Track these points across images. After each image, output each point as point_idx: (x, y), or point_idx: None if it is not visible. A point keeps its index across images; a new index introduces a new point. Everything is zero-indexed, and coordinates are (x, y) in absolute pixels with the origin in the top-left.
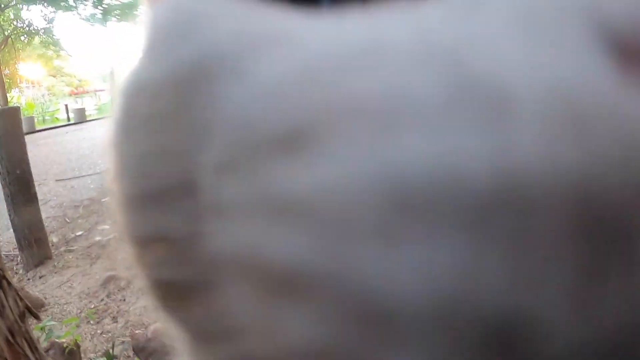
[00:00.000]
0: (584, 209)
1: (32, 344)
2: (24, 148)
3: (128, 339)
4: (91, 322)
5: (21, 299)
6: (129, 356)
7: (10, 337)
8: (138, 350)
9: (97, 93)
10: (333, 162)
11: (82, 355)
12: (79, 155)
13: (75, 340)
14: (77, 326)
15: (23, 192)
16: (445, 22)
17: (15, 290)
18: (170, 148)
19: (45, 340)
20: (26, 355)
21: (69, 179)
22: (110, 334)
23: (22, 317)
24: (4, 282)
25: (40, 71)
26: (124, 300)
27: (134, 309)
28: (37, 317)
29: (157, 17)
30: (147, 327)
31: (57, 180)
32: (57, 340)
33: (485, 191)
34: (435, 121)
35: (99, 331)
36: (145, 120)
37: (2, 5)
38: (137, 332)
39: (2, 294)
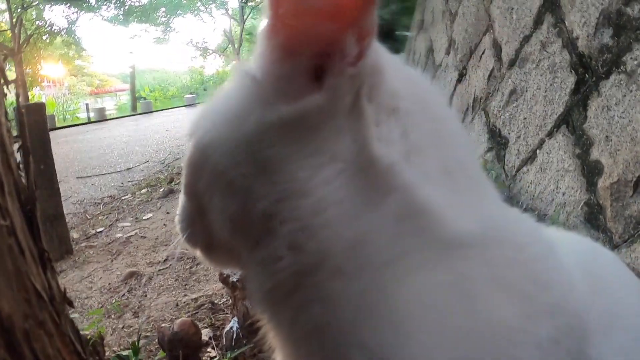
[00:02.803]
0: None
1: (74, 328)
2: (48, 143)
3: (150, 333)
4: (112, 316)
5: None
6: (151, 350)
7: (57, 319)
8: (163, 343)
9: (117, 93)
10: None
11: (105, 348)
12: (99, 153)
13: (100, 332)
14: (99, 320)
15: (46, 186)
16: None
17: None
18: None
19: None
20: (71, 340)
21: (90, 176)
22: (132, 329)
23: (65, 300)
24: (49, 264)
25: (62, 70)
26: (146, 295)
27: (155, 305)
28: (71, 304)
29: None
30: (171, 321)
31: (78, 177)
32: (81, 332)
33: None
34: None
35: (120, 325)
36: None
37: (25, 5)
38: (162, 325)
39: (50, 276)
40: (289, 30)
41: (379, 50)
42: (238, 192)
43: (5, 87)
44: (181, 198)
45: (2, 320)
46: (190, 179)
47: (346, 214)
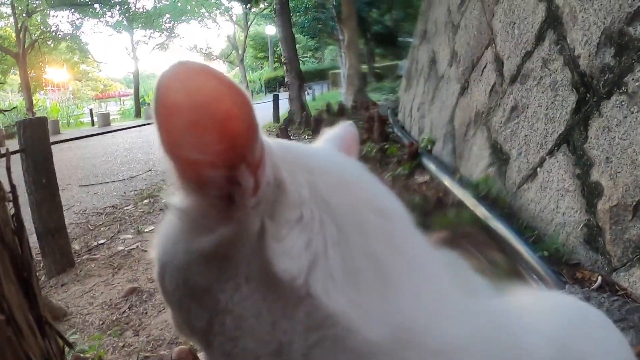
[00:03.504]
0: None
1: None
2: (50, 157)
3: (150, 353)
4: (112, 334)
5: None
6: None
7: None
8: None
9: (122, 98)
10: None
11: None
12: (102, 160)
13: (100, 356)
14: (100, 339)
15: (48, 200)
16: None
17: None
18: None
19: (68, 353)
20: None
21: (92, 184)
22: (132, 348)
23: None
24: (48, 328)
25: (66, 75)
26: (146, 313)
27: (155, 323)
28: (70, 347)
29: None
30: (170, 344)
31: (80, 185)
32: (81, 355)
33: None
34: None
35: (120, 344)
36: None
37: (30, 11)
38: (161, 353)
39: (48, 342)
40: (189, 173)
41: (275, 162)
42: (182, 310)
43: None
44: None
45: None
46: (163, 295)
47: (265, 323)
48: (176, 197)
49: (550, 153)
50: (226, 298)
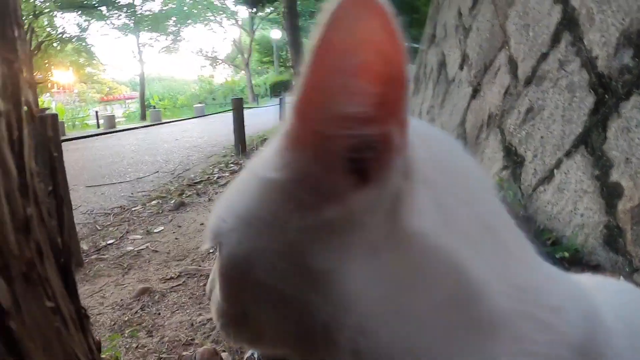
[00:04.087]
0: None
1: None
2: (60, 157)
3: (165, 355)
4: (126, 334)
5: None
6: None
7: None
8: None
9: (127, 101)
10: None
11: None
12: (109, 162)
13: (117, 356)
14: (115, 343)
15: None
16: None
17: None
18: None
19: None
20: None
21: (99, 185)
22: (146, 349)
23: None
24: (87, 321)
25: (72, 77)
26: (159, 314)
27: (169, 324)
28: (99, 349)
29: None
30: (185, 345)
31: (87, 186)
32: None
33: None
34: None
35: (134, 345)
36: None
37: (37, 12)
38: (184, 354)
39: (89, 336)
40: (320, 136)
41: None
42: (291, 304)
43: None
44: (217, 297)
45: None
46: (231, 291)
47: (401, 312)
48: (267, 165)
49: (568, 154)
50: (356, 282)
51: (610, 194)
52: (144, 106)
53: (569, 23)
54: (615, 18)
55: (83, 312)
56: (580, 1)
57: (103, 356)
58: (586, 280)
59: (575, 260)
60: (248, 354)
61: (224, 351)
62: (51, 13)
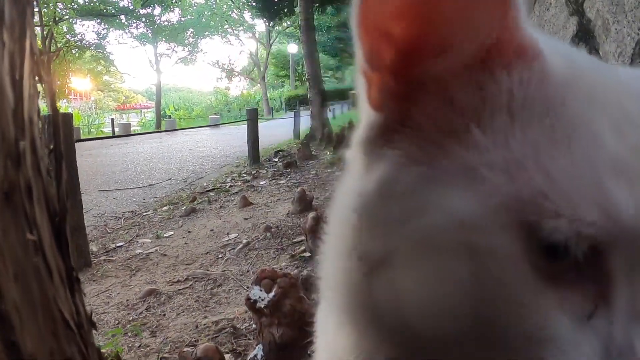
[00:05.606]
0: None
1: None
2: (73, 154)
3: (168, 355)
4: (129, 334)
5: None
6: None
7: (85, 351)
8: None
9: (142, 110)
10: None
11: None
12: (122, 167)
13: (117, 352)
14: (116, 339)
15: (69, 196)
16: None
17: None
18: None
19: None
20: None
21: (112, 190)
22: (148, 348)
23: (92, 325)
24: (77, 284)
25: (89, 85)
26: (164, 315)
27: (174, 325)
28: (94, 327)
29: None
30: (190, 343)
31: (100, 190)
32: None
33: None
34: None
35: (136, 344)
36: None
37: (57, 19)
38: (184, 350)
39: (78, 298)
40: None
41: None
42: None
43: (39, 84)
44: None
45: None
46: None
47: None
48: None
49: None
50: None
51: None
52: (159, 115)
53: (585, 35)
54: (631, 28)
55: (74, 274)
56: (596, 12)
57: (103, 351)
58: None
59: None
60: (251, 355)
61: (226, 352)
62: (71, 20)
